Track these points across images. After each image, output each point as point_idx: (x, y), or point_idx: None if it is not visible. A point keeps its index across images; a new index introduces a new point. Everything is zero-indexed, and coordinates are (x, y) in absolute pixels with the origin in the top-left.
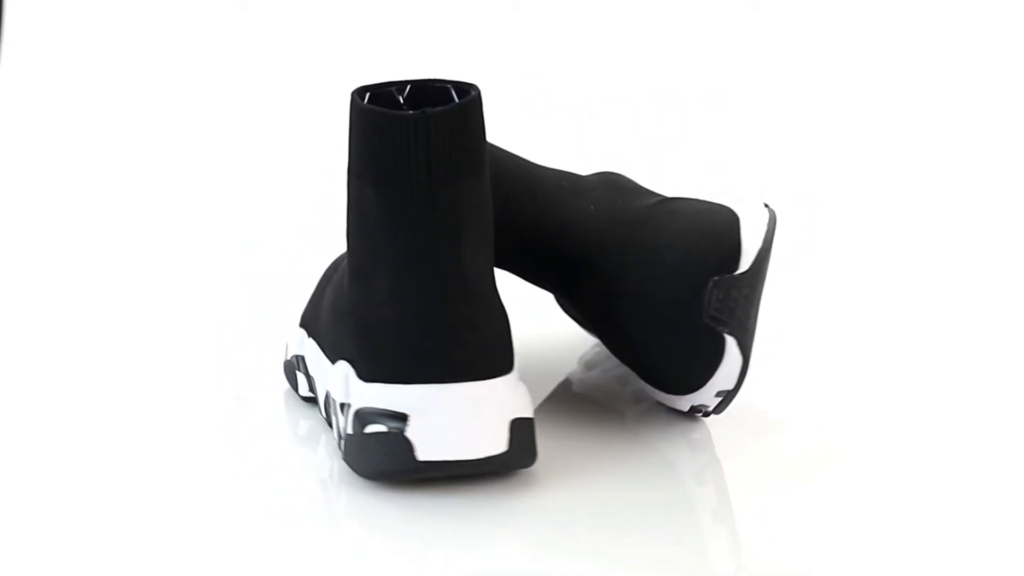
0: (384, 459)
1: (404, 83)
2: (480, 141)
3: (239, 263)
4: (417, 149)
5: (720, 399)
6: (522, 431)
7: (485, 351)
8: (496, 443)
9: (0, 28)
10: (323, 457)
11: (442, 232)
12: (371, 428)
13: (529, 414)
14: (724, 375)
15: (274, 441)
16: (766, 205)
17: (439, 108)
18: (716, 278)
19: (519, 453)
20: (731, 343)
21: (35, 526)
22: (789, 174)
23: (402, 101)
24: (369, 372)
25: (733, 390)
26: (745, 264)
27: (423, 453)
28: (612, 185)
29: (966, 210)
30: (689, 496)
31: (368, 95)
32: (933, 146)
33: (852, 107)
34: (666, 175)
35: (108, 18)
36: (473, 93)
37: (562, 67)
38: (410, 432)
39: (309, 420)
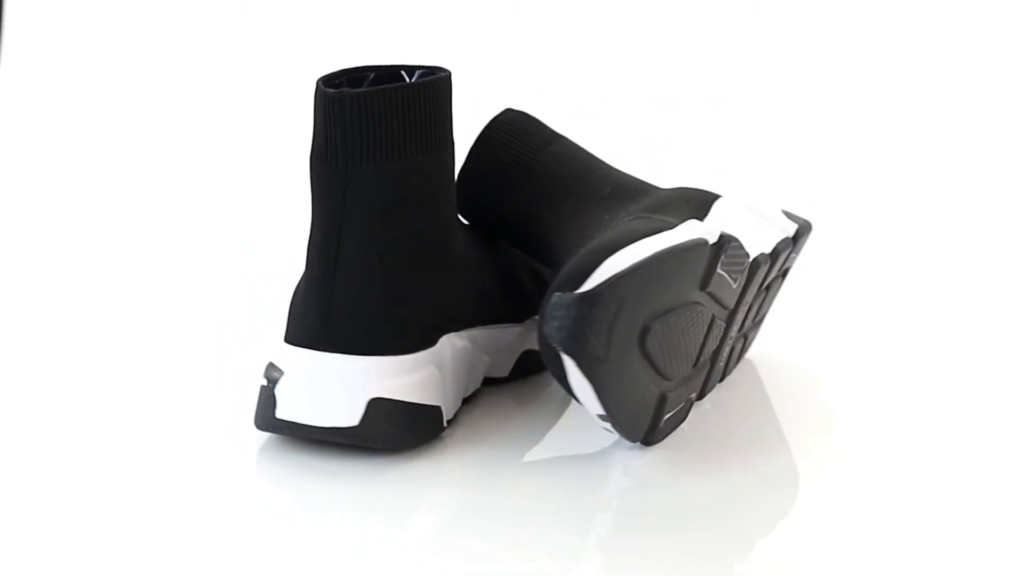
0: (257, 411)
1: (376, 67)
2: (397, 127)
3: (238, 263)
4: (335, 127)
5: (604, 423)
6: (381, 412)
7: (365, 329)
8: (348, 416)
9: (0, 28)
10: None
11: (341, 210)
12: (262, 380)
13: (400, 397)
14: (584, 397)
15: (275, 440)
16: (723, 235)
17: (358, 90)
18: (556, 293)
19: (370, 431)
20: (569, 362)
21: (34, 523)
22: (787, 174)
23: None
24: (285, 332)
25: (611, 418)
26: (588, 284)
27: (281, 411)
28: (639, 197)
29: (966, 210)
30: (685, 495)
31: (346, 78)
32: (932, 146)
33: (851, 107)
34: (665, 174)
35: (108, 18)
36: (410, 80)
37: (562, 67)
38: (278, 389)
39: None
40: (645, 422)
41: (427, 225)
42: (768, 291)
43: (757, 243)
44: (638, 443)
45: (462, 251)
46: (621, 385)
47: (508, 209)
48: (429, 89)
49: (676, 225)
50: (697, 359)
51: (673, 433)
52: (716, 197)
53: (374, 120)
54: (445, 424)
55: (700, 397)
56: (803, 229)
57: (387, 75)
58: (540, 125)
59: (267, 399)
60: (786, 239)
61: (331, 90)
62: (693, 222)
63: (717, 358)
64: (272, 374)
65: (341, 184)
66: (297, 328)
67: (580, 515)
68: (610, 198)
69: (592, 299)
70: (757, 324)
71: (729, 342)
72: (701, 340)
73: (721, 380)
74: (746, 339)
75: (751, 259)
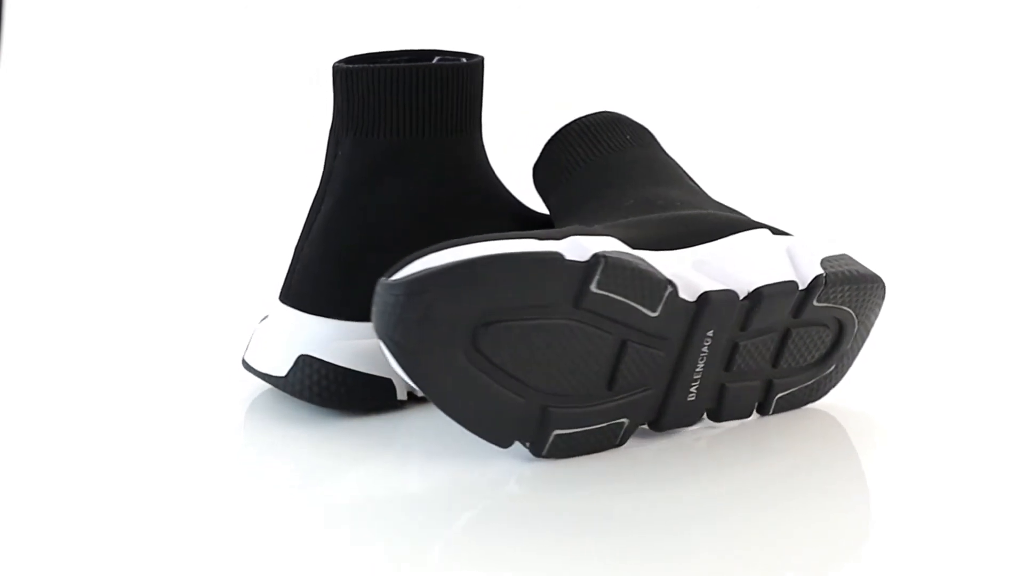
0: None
1: (413, 52)
2: (378, 107)
3: (238, 262)
4: (339, 97)
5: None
6: (306, 367)
7: (316, 290)
8: (279, 366)
9: (0, 28)
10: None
11: (328, 175)
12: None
13: (333, 360)
14: (408, 383)
15: (271, 439)
16: (598, 255)
17: (359, 65)
18: (380, 278)
19: (295, 383)
20: (383, 347)
21: (34, 521)
22: (786, 175)
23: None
24: None
25: (445, 412)
26: (399, 275)
27: (247, 353)
28: (654, 211)
29: (965, 211)
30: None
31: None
32: (931, 147)
33: (852, 108)
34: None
35: (108, 18)
36: (410, 65)
37: (561, 68)
38: (253, 334)
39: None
40: (515, 430)
41: (401, 203)
42: (787, 338)
43: (738, 280)
44: (535, 455)
45: (446, 234)
46: (447, 382)
47: (550, 207)
48: (435, 74)
49: (559, 238)
50: (611, 382)
51: (674, 433)
52: (749, 226)
53: (364, 95)
54: (403, 398)
55: (657, 427)
56: (836, 278)
57: (411, 59)
58: (621, 132)
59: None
60: (787, 283)
61: (340, 64)
62: (575, 238)
63: (672, 390)
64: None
65: (333, 152)
66: (283, 282)
67: (580, 517)
68: (627, 210)
69: (398, 289)
70: (794, 371)
71: (697, 378)
72: (608, 362)
73: (720, 419)
74: (770, 386)
75: (669, 290)
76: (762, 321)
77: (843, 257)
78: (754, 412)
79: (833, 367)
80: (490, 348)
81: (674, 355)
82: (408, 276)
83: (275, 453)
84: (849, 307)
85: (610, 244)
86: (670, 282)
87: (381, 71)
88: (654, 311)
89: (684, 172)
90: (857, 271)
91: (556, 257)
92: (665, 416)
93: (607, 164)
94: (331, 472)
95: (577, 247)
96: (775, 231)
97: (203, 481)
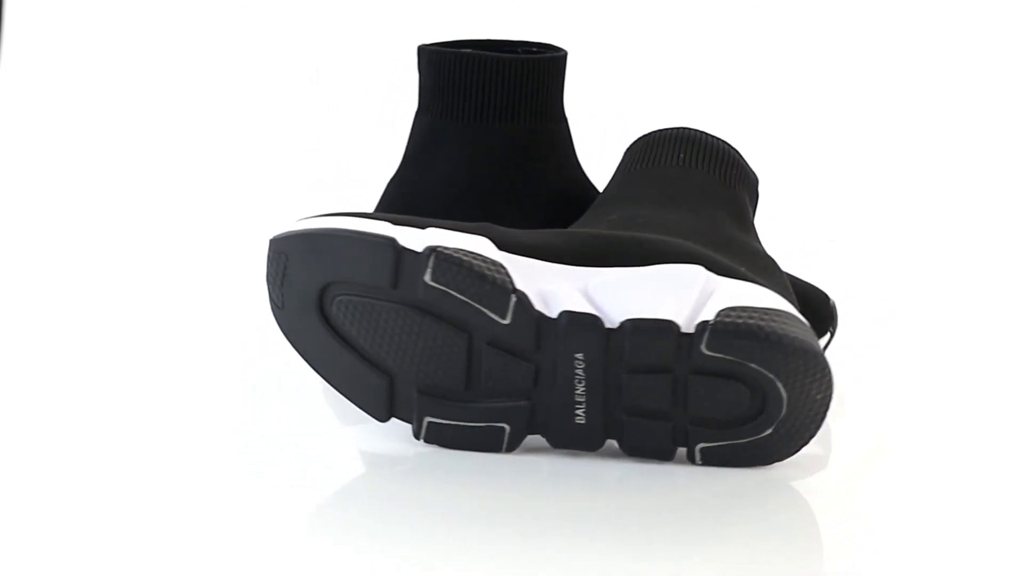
0: None
1: (513, 42)
2: (428, 87)
3: (237, 261)
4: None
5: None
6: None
7: None
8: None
9: (0, 28)
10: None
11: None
12: None
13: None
14: None
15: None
16: (429, 247)
17: (432, 45)
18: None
19: None
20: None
21: (28, 519)
22: (786, 175)
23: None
24: None
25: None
26: (273, 234)
27: None
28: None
29: (965, 212)
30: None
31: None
32: (930, 147)
33: (851, 108)
34: None
35: (108, 18)
36: (482, 54)
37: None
38: None
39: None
40: (386, 407)
41: (442, 179)
42: (686, 383)
43: (617, 309)
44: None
45: (480, 215)
46: (312, 346)
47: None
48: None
49: (418, 227)
50: (469, 382)
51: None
52: (691, 259)
53: (423, 75)
54: None
55: (553, 443)
56: (727, 329)
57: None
58: (676, 150)
59: None
60: (661, 321)
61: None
62: (414, 230)
63: (551, 408)
64: None
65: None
66: None
67: (580, 521)
68: (608, 223)
69: (270, 246)
70: (711, 423)
71: (581, 402)
72: (461, 360)
73: (635, 455)
74: (686, 433)
75: (515, 299)
76: (640, 357)
77: (772, 312)
78: (685, 458)
79: (770, 432)
80: (338, 319)
81: (536, 370)
82: (275, 236)
83: (274, 454)
84: (764, 368)
85: (452, 239)
86: (516, 291)
87: (428, 52)
88: (504, 318)
89: (732, 210)
90: (766, 330)
91: (388, 242)
92: (552, 432)
93: (632, 177)
94: (331, 472)
95: (414, 237)
96: (731, 274)
97: (202, 481)
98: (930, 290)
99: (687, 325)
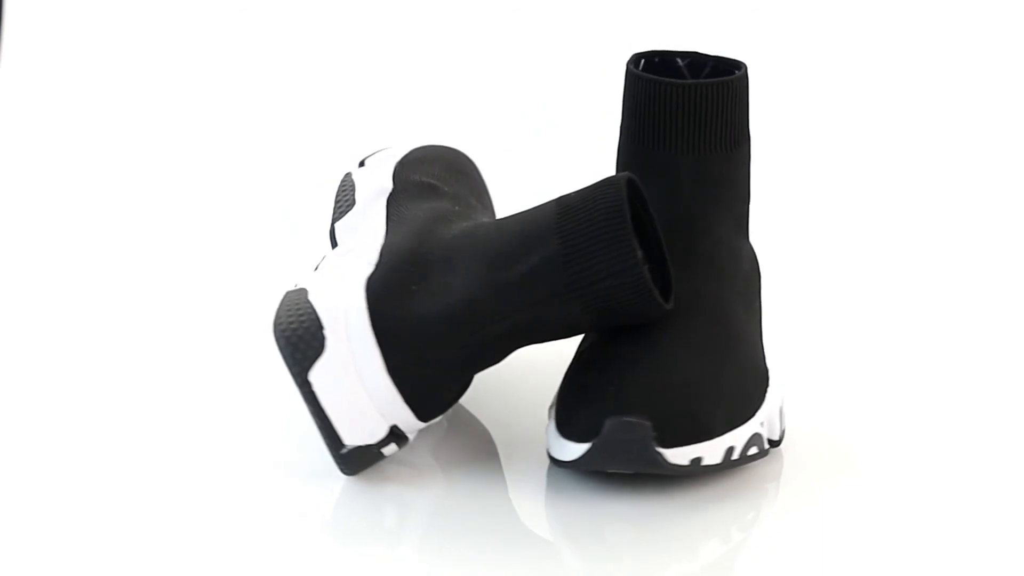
0: None
1: (697, 57)
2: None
3: (237, 262)
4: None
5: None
6: None
7: None
8: None
9: (0, 28)
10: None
11: None
12: None
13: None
14: None
15: (271, 436)
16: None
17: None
18: None
19: None
20: None
21: (27, 517)
22: (784, 176)
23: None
24: None
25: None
26: None
27: None
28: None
29: (965, 213)
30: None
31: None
32: (929, 148)
33: (852, 109)
34: None
35: (108, 18)
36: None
37: (563, 71)
38: None
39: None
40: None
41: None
42: None
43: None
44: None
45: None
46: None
47: None
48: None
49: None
50: None
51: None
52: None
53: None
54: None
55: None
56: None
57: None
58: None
59: None
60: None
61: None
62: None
63: None
64: None
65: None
66: None
67: (582, 525)
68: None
69: None
70: None
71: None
72: None
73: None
74: None
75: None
76: None
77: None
78: None
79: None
80: None
81: None
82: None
83: (269, 454)
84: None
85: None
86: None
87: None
88: None
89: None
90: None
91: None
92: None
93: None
94: (331, 471)
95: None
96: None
97: (202, 481)
98: (927, 290)
99: None
